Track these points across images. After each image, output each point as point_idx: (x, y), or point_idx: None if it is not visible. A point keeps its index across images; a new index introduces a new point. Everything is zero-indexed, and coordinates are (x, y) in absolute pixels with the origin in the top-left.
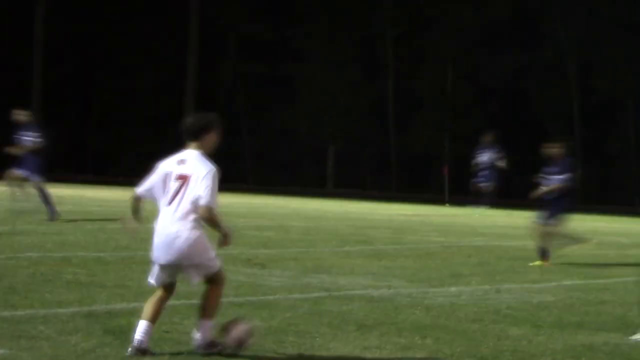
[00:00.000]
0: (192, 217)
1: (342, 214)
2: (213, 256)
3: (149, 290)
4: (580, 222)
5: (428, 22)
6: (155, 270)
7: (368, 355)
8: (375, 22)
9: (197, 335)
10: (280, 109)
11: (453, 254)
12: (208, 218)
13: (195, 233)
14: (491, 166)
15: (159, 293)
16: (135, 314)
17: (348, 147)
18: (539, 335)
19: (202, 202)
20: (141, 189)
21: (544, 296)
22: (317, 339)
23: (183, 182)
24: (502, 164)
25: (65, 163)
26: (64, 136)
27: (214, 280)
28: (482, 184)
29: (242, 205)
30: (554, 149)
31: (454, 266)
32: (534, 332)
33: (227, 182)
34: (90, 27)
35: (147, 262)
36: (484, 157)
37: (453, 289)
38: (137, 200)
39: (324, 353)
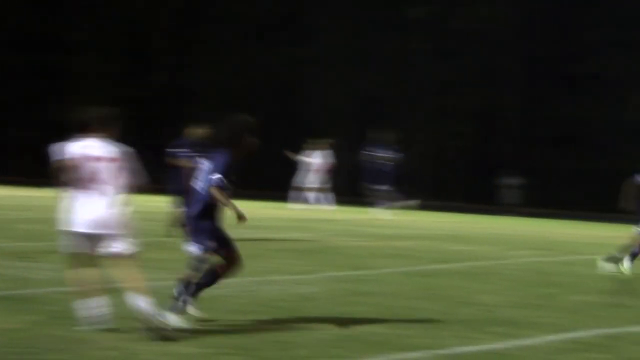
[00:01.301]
0: None
1: None
2: None
3: None
4: (349, 214)
5: (198, 14)
6: None
7: (125, 344)
8: (145, 12)
9: None
10: (50, 101)
11: None
12: None
13: None
14: None
15: None
16: None
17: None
18: (302, 326)
19: None
20: None
21: (310, 287)
22: (86, 333)
23: None
24: None
25: None
26: None
27: None
28: None
29: (12, 198)
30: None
31: None
32: (297, 323)
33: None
34: None
35: None
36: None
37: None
38: None
39: (91, 345)
